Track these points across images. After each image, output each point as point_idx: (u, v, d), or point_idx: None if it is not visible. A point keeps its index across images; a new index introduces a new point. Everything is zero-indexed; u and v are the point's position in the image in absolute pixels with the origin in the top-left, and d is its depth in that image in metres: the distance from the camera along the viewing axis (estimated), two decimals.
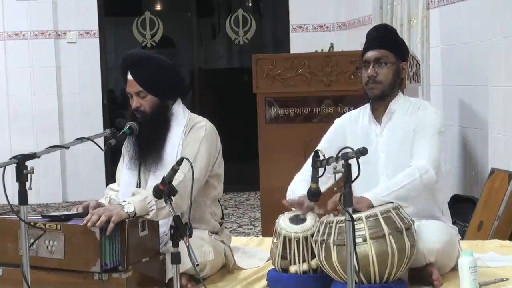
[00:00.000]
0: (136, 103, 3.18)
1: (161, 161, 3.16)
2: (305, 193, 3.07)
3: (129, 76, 3.19)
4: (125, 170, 3.30)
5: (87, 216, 2.83)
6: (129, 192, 3.14)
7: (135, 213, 2.91)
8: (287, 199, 3.14)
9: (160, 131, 3.20)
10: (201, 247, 3.08)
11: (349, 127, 3.30)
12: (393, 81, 3.19)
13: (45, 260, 2.83)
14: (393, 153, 3.16)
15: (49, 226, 2.82)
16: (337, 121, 3.38)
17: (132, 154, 3.23)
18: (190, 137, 3.21)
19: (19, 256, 2.51)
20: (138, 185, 3.23)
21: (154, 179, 3.12)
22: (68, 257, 2.81)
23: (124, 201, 2.98)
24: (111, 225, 2.79)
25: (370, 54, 3.18)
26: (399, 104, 3.22)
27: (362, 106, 3.33)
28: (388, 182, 3.02)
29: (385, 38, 3.20)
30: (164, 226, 3.12)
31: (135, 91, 3.18)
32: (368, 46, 3.22)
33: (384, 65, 3.16)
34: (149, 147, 3.18)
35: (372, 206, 2.88)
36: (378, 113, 3.23)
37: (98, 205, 3.12)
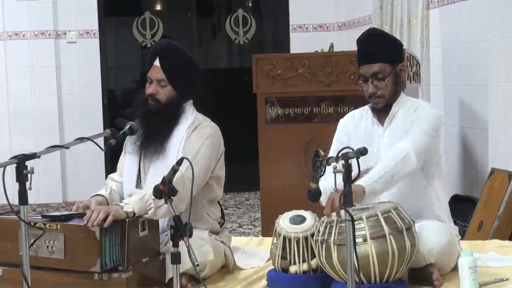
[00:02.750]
0: (153, 90, 3.21)
1: (162, 151, 3.18)
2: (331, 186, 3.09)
3: (156, 62, 3.21)
4: (127, 154, 3.32)
5: (87, 214, 2.83)
6: (130, 176, 3.18)
7: (134, 213, 2.91)
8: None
9: (167, 124, 3.22)
10: (201, 247, 3.08)
11: (353, 127, 3.30)
12: (394, 89, 3.19)
13: (46, 260, 2.84)
14: None
15: (49, 226, 2.83)
16: (341, 121, 3.39)
17: (135, 140, 3.24)
18: (194, 135, 3.22)
19: (19, 256, 2.51)
20: (138, 172, 3.25)
21: (153, 170, 3.16)
22: (68, 257, 2.81)
23: (122, 201, 2.99)
24: (110, 218, 2.80)
25: (366, 70, 3.16)
26: (401, 105, 3.22)
27: (365, 106, 3.33)
28: (377, 167, 2.98)
29: (377, 51, 3.15)
30: (161, 223, 3.12)
31: (157, 78, 3.21)
32: (361, 60, 3.19)
33: (382, 80, 3.15)
34: (154, 136, 3.20)
35: (364, 193, 2.86)
36: (380, 115, 3.23)
37: (98, 201, 3.13)
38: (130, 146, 3.29)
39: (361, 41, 3.23)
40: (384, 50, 3.17)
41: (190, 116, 3.28)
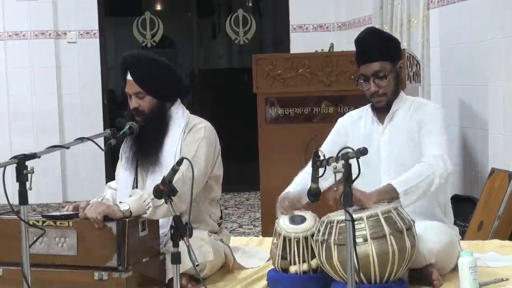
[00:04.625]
0: (134, 104, 3.18)
1: (159, 162, 3.16)
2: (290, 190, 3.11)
3: (129, 77, 3.18)
4: (122, 171, 3.29)
5: (88, 214, 2.84)
6: (126, 193, 3.14)
7: (131, 212, 2.91)
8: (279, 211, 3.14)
9: (159, 133, 3.20)
10: (201, 247, 3.08)
11: (351, 127, 3.30)
12: (396, 87, 3.20)
13: (55, 257, 2.85)
14: (395, 152, 3.17)
15: (60, 223, 2.85)
16: (339, 120, 3.39)
17: (129, 155, 3.23)
18: (189, 138, 3.21)
19: (19, 256, 2.51)
20: (135, 187, 3.22)
21: (152, 180, 3.12)
22: (81, 253, 2.83)
23: (120, 202, 2.99)
24: (99, 216, 2.81)
25: (367, 68, 3.15)
26: (401, 103, 3.22)
27: (364, 106, 3.33)
28: (407, 175, 2.98)
29: (377, 49, 3.15)
30: (164, 227, 3.12)
31: (134, 92, 3.17)
32: (361, 59, 3.18)
33: (384, 78, 3.14)
34: (147, 148, 3.18)
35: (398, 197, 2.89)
36: (380, 113, 3.23)
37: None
38: (125, 162, 3.26)
39: (360, 40, 3.22)
40: (384, 48, 3.17)
41: (182, 119, 3.25)
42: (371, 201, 2.88)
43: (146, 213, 2.95)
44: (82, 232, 2.84)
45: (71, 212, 3.00)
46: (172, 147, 3.19)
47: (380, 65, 3.14)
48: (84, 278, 2.80)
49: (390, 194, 2.92)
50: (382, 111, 3.22)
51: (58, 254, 2.85)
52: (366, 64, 3.15)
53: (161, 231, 3.08)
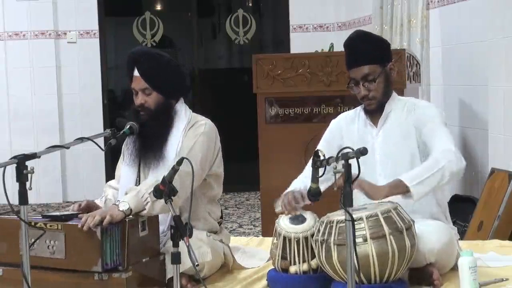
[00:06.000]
0: (140, 100, 3.19)
1: (161, 158, 3.17)
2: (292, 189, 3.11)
3: (136, 73, 3.19)
4: (124, 167, 3.30)
5: (83, 218, 2.82)
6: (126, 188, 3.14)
7: (131, 209, 2.90)
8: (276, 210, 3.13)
9: (163, 129, 3.21)
10: (199, 248, 3.08)
11: (345, 128, 3.30)
12: (386, 89, 3.19)
13: (46, 260, 2.83)
14: (390, 154, 3.17)
15: (50, 226, 2.82)
16: (333, 122, 3.39)
17: (132, 151, 3.23)
18: (190, 133, 3.22)
19: (19, 256, 2.51)
20: (138, 182, 3.22)
21: (154, 177, 3.12)
22: (69, 257, 2.81)
23: (118, 200, 2.98)
24: (108, 218, 2.78)
25: (356, 72, 3.15)
26: (394, 104, 3.22)
27: (357, 107, 3.34)
28: (417, 169, 2.97)
29: (365, 52, 3.15)
30: (162, 224, 3.12)
31: (140, 88, 3.18)
32: (350, 63, 3.19)
33: (373, 81, 3.14)
34: (151, 144, 3.19)
35: (408, 191, 2.87)
36: (373, 115, 3.23)
37: (93, 204, 3.14)
38: (127, 158, 3.27)
39: (348, 44, 3.24)
40: (372, 51, 3.18)
41: (184, 116, 3.26)
42: (381, 195, 2.87)
43: (145, 209, 2.94)
44: (70, 235, 2.80)
45: (71, 212, 3.01)
46: (174, 144, 3.20)
47: (369, 68, 3.14)
48: (84, 278, 2.80)
49: (400, 188, 2.90)
50: (374, 113, 3.23)
51: (48, 257, 2.83)
52: (355, 68, 3.16)
53: (159, 229, 3.08)
